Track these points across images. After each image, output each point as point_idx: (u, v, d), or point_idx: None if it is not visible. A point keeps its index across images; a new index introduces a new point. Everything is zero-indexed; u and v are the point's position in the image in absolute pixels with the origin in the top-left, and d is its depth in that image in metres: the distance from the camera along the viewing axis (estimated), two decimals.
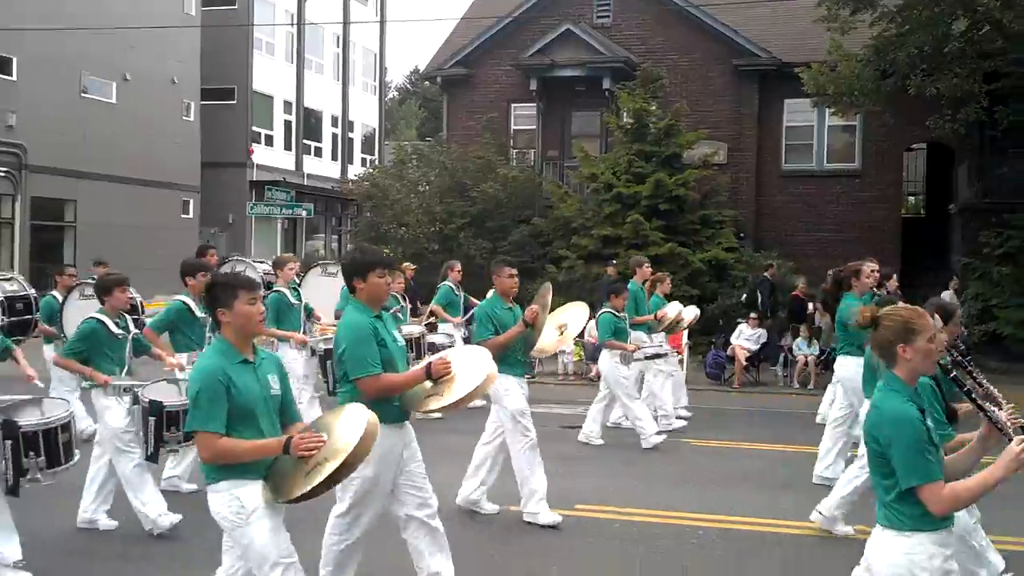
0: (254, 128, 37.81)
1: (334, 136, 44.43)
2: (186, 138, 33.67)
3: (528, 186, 22.96)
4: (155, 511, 7.35)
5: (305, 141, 41.58)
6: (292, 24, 40.38)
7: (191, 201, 34.36)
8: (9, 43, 26.47)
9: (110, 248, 22.73)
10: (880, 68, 18.16)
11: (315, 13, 41.15)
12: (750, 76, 23.03)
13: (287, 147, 40.51)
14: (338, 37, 44.34)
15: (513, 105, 24.93)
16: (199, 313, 8.57)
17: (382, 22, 48.39)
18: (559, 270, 19.97)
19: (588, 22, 23.72)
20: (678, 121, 20.89)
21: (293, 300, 10.66)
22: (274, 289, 10.58)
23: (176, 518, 7.39)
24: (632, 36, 23.77)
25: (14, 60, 26.98)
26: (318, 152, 42.96)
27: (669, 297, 13.40)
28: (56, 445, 6.38)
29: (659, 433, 11.13)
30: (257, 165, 37.33)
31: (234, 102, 37.08)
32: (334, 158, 44.26)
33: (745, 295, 18.99)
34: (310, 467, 4.43)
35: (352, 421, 4.60)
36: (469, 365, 5.53)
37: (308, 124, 41.91)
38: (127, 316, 7.76)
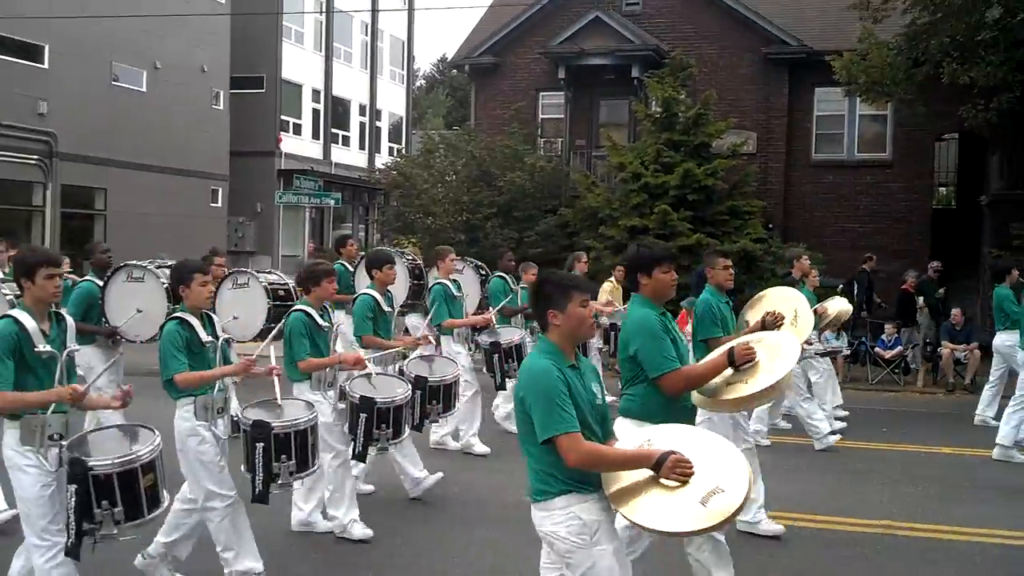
0: (283, 117, 37.93)
1: (362, 125, 44.50)
2: (215, 127, 33.82)
3: (555, 176, 22.89)
4: (348, 516, 7.26)
5: (333, 130, 41.67)
6: (321, 12, 40.48)
7: (220, 190, 34.51)
8: (40, 31, 26.67)
9: (140, 236, 22.92)
10: (912, 56, 17.94)
11: (344, 1, 41.21)
12: (780, 64, 22.82)
13: (315, 136, 40.62)
14: (366, 25, 44.39)
15: (541, 94, 24.84)
16: (386, 307, 8.31)
17: (410, 10, 48.41)
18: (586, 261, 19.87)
19: (617, 9, 23.57)
20: (707, 110, 20.72)
21: (455, 292, 10.30)
22: (436, 281, 10.25)
23: (368, 533, 7.24)
24: (661, 24, 23.60)
25: (46, 48, 27.17)
26: (346, 141, 43.05)
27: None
28: (306, 447, 6.04)
29: (832, 433, 10.96)
30: (285, 154, 37.46)
31: (263, 91, 37.20)
32: (362, 147, 44.34)
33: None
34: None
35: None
36: (773, 351, 5.15)
37: (336, 113, 42.00)
38: (328, 308, 7.45)
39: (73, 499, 4.80)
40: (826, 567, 6.98)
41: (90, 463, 4.82)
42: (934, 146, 23.57)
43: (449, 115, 62.49)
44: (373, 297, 8.24)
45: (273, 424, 5.90)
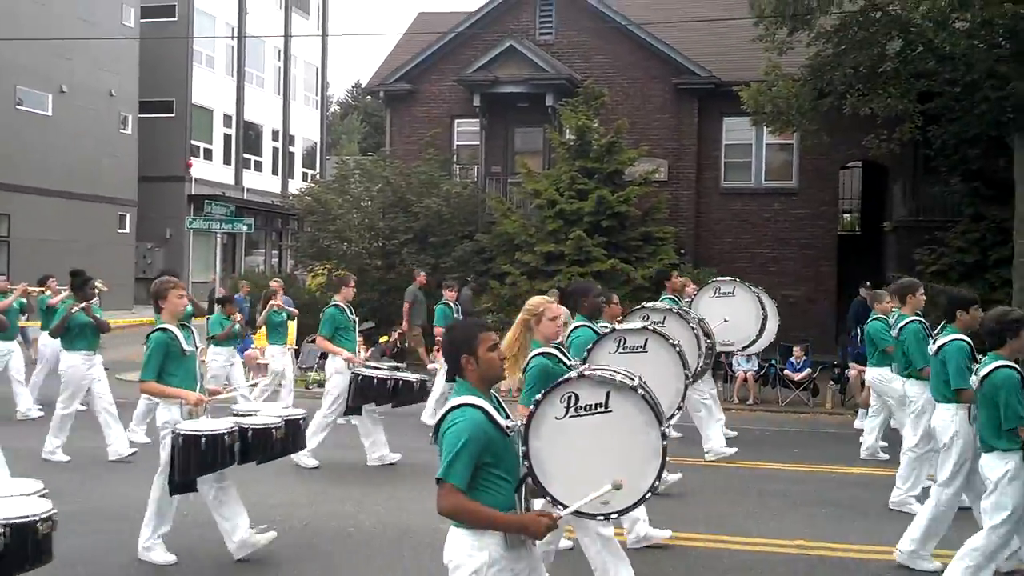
0: (193, 142, 37.46)
1: (274, 150, 44.15)
2: (123, 151, 33.24)
3: (471, 202, 22.99)
4: None
5: (245, 155, 41.27)
6: (232, 37, 40.13)
7: (128, 215, 33.89)
8: None
9: (45, 263, 22.28)
10: (817, 88, 18.42)
11: (256, 26, 40.91)
12: (690, 94, 23.29)
13: (226, 161, 40.16)
14: (279, 50, 44.12)
15: (456, 120, 24.96)
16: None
17: (324, 36, 48.28)
18: (502, 286, 20.00)
19: (531, 39, 23.87)
20: (619, 138, 21.07)
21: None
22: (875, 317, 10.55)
23: None
24: (574, 53, 23.94)
25: None
26: (258, 166, 42.65)
27: None
28: None
29: None
30: (196, 179, 36.97)
31: (173, 115, 36.73)
32: (274, 172, 43.98)
33: None
34: None
35: None
36: None
37: (248, 138, 41.61)
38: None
39: None
40: None
41: None
42: (838, 174, 24.22)
43: (364, 141, 62.36)
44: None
45: None
